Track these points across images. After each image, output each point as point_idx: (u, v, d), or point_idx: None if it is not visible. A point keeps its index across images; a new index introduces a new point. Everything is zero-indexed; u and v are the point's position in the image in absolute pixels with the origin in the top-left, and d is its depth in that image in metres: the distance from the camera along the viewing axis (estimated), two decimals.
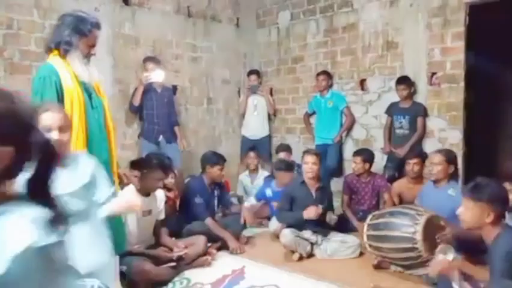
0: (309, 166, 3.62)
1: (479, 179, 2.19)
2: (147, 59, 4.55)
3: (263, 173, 4.99)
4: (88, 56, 2.21)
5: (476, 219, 2.12)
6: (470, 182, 2.20)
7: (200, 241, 3.36)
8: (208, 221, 3.64)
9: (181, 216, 3.83)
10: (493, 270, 2.03)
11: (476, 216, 2.11)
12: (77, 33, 2.14)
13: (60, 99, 2.04)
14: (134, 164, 3.24)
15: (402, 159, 4.27)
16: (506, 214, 2.86)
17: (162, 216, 3.30)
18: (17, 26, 3.85)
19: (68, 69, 2.11)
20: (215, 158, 3.89)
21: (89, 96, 2.19)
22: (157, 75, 4.36)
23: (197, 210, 3.72)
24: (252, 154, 5.04)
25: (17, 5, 3.84)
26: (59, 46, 2.13)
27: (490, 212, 2.07)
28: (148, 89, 4.47)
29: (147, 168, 3.05)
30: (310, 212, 3.45)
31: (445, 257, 2.25)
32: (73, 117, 2.05)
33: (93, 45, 2.22)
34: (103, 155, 2.20)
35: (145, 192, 3.08)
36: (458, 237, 2.92)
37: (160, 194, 3.31)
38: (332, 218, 3.56)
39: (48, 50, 2.17)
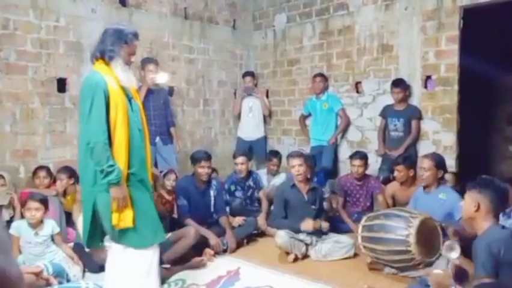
0: (296, 169, 3.61)
1: (484, 176, 2.28)
2: (148, 61, 4.54)
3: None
4: (128, 63, 2.41)
5: (466, 208, 2.22)
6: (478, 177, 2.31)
7: (190, 233, 3.33)
8: (188, 221, 3.60)
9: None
10: (475, 262, 2.08)
11: (466, 205, 2.22)
12: (119, 42, 2.35)
13: (107, 102, 2.23)
14: None
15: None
16: (500, 216, 2.90)
17: None
18: (13, 27, 3.85)
19: (112, 75, 2.30)
20: (197, 156, 3.80)
21: (129, 100, 2.37)
22: (162, 77, 4.45)
23: (179, 212, 3.72)
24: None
25: (13, 6, 3.84)
26: (104, 54, 2.33)
27: (479, 202, 2.13)
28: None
29: None
30: (308, 226, 3.47)
31: (451, 254, 2.28)
32: (117, 119, 2.23)
33: (133, 53, 2.43)
34: (141, 155, 2.40)
35: None
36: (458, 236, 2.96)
37: None
38: (323, 226, 3.56)
39: (94, 59, 2.37)
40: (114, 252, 2.38)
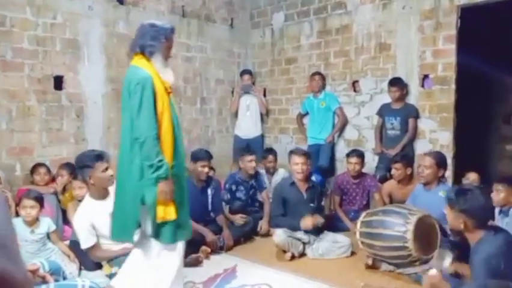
0: (299, 167, 3.61)
1: (463, 186, 2.23)
2: None
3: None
4: (167, 58, 2.45)
5: (452, 224, 2.19)
6: (455, 187, 2.24)
7: None
8: None
9: None
10: (473, 275, 2.06)
11: (451, 221, 2.19)
12: (159, 37, 2.38)
13: (154, 97, 2.28)
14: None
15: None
16: (496, 215, 2.91)
17: None
18: (10, 24, 3.83)
19: (152, 70, 2.35)
20: (197, 154, 3.81)
21: (168, 94, 2.42)
22: None
23: None
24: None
25: (10, 3, 3.83)
26: (144, 49, 2.36)
27: (463, 220, 2.11)
28: None
29: (85, 168, 2.85)
30: (307, 224, 3.46)
31: (442, 263, 2.28)
32: (163, 114, 2.29)
33: (170, 48, 2.48)
34: (182, 148, 2.48)
35: (101, 194, 2.92)
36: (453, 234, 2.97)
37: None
38: (319, 221, 3.55)
39: (133, 54, 2.41)
40: (148, 248, 2.41)
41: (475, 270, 2.04)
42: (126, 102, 2.33)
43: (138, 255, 2.45)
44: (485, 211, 2.14)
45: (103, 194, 2.92)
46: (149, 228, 2.37)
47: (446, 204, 2.22)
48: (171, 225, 2.33)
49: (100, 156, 2.88)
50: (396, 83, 4.55)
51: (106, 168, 2.87)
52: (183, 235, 2.44)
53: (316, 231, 3.57)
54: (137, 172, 2.29)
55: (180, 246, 2.45)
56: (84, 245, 2.83)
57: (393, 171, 3.93)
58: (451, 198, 2.18)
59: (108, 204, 2.93)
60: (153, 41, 2.36)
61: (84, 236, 2.81)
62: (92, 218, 2.83)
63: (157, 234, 2.34)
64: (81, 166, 2.89)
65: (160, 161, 2.22)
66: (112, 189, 2.99)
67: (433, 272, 2.30)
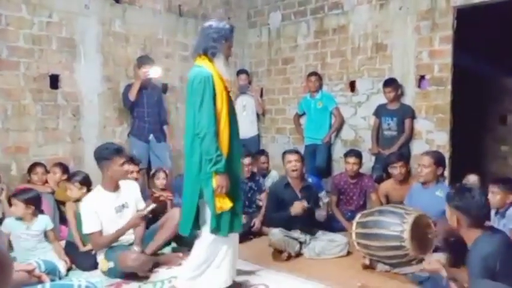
0: (293, 164, 3.62)
1: (461, 185, 2.25)
2: (144, 61, 4.49)
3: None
4: (228, 57, 2.60)
5: (450, 221, 2.22)
6: (456, 185, 2.27)
7: (175, 215, 3.28)
8: None
9: None
10: (470, 275, 2.05)
11: (449, 217, 2.22)
12: (220, 39, 2.53)
13: (214, 95, 2.40)
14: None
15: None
16: (493, 216, 2.92)
17: (142, 205, 3.19)
18: (5, 22, 3.81)
19: (214, 70, 2.48)
20: None
21: (227, 92, 2.53)
22: (155, 72, 4.41)
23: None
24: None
25: (6, 0, 3.80)
26: (207, 51, 2.51)
27: (457, 218, 2.13)
28: (139, 87, 4.44)
29: (103, 160, 2.96)
30: (297, 208, 3.45)
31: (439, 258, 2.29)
32: (222, 111, 2.42)
33: (231, 47, 2.63)
34: (237, 143, 2.59)
35: (113, 186, 3.02)
36: (447, 235, 2.98)
37: (130, 184, 3.22)
38: (321, 214, 3.58)
39: (197, 56, 2.56)
40: (200, 239, 2.57)
41: (471, 269, 2.04)
42: (189, 99, 2.45)
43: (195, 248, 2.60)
44: (479, 210, 2.12)
45: (114, 187, 3.04)
46: (206, 222, 2.49)
47: (446, 202, 2.24)
48: (226, 218, 2.46)
49: (118, 151, 3.01)
50: (390, 83, 4.57)
51: (123, 163, 3.01)
52: (238, 226, 2.57)
53: (312, 230, 3.57)
54: (196, 167, 2.42)
55: (233, 237, 2.59)
56: (87, 229, 2.91)
57: (395, 171, 3.90)
58: (449, 194, 2.22)
59: (117, 197, 3.04)
60: (214, 43, 2.50)
61: (88, 221, 2.89)
62: (97, 207, 2.92)
63: (215, 227, 2.44)
64: (100, 158, 2.99)
65: (219, 155, 2.34)
66: (123, 183, 3.13)
67: (431, 259, 2.32)
